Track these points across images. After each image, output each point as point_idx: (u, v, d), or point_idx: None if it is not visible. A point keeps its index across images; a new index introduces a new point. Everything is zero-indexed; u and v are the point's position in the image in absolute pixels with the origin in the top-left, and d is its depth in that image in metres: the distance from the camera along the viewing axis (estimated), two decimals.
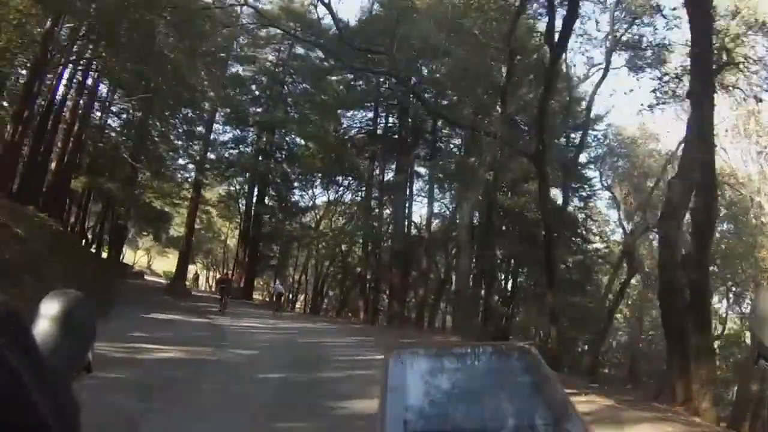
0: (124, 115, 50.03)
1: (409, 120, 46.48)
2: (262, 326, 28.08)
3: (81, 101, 40.80)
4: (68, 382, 1.06)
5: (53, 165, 39.86)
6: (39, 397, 0.76)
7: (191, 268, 62.60)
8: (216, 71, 45.55)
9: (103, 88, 46.40)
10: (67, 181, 41.18)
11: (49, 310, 1.13)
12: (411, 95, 40.69)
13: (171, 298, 36.09)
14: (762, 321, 1.33)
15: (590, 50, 62.82)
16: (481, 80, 35.05)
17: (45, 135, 36.10)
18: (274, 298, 43.46)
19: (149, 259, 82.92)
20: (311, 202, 55.98)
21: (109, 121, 50.06)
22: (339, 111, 46.51)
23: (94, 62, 36.15)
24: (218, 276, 47.53)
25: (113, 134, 50.29)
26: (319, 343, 21.56)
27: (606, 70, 37.16)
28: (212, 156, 53.20)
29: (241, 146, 54.13)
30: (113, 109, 48.64)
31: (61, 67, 35.59)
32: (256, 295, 67.96)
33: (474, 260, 36.64)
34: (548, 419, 1.05)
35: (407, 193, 45.96)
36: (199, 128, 50.85)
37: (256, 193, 54.59)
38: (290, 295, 60.94)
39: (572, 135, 43.16)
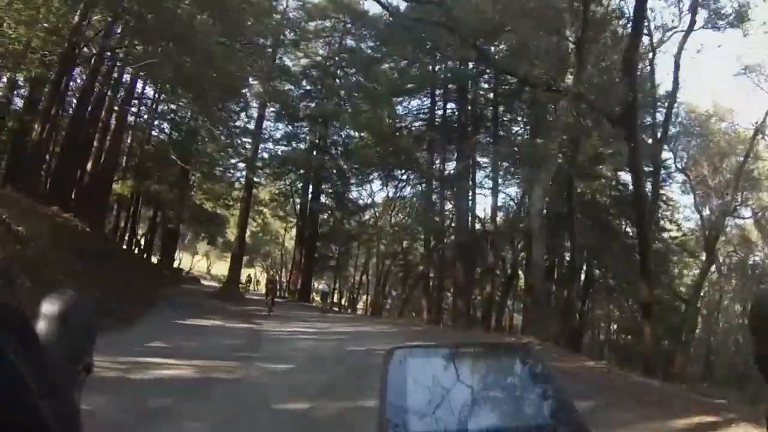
0: (171, 116, 48.23)
1: (469, 107, 43.18)
2: (310, 330, 24.92)
3: (118, 99, 37.71)
4: (68, 383, 1.04)
5: (89, 166, 36.93)
6: (39, 397, 0.76)
7: (249, 272, 59.51)
8: (261, 61, 42.91)
9: (149, 90, 45.26)
10: (105, 183, 39.18)
11: (47, 311, 1.10)
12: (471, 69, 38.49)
13: (220, 303, 33.43)
14: (763, 321, 1.15)
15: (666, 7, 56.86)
16: (548, 54, 30.85)
17: (78, 135, 33.57)
18: (320, 299, 41.58)
19: (209, 264, 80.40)
20: (370, 199, 52.65)
21: (156, 122, 48.44)
22: (394, 99, 42.70)
23: (130, 58, 32.86)
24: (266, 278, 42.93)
25: (161, 136, 49.24)
26: (370, 351, 17.36)
27: (690, 28, 32.63)
28: (264, 154, 50.76)
29: (293, 142, 51.20)
30: (159, 108, 46.92)
31: (93, 61, 33.20)
32: (317, 298, 66.11)
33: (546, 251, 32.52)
34: (550, 419, 1.03)
35: (469, 183, 42.00)
36: (248, 125, 48.90)
37: (311, 190, 51.80)
38: (351, 295, 60.42)
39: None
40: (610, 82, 29.35)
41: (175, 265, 58.98)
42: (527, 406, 1.10)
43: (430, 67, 42.36)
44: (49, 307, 1.12)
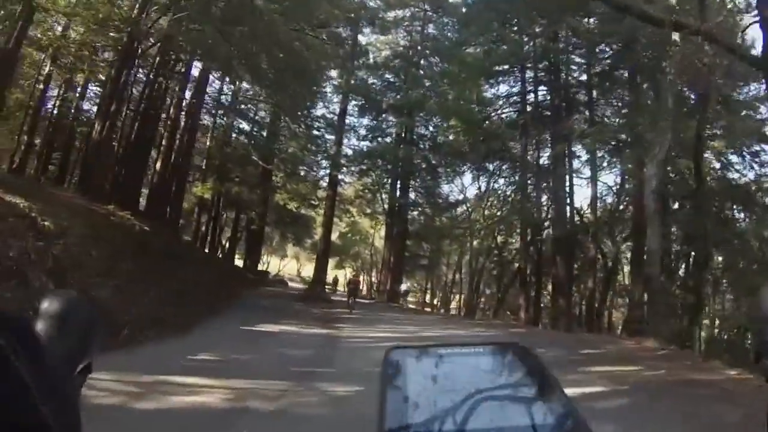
0: (252, 115, 47.64)
1: (562, 90, 39.40)
2: (394, 336, 21.49)
3: (185, 94, 35.33)
4: (68, 383, 1.03)
5: (158, 165, 35.72)
6: (39, 397, 0.74)
7: (337, 273, 56.59)
8: (340, 50, 40.65)
9: (226, 90, 44.88)
10: (176, 183, 38.12)
11: (46, 310, 1.10)
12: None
13: (302, 305, 31.58)
14: (764, 322, 1.23)
15: None
16: None
17: (143, 133, 32.68)
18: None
19: (298, 266, 78.59)
20: (461, 195, 49.16)
21: (235, 122, 47.45)
22: (481, 82, 39.38)
23: (189, 47, 30.78)
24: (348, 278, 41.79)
25: (242, 137, 48.11)
26: None
27: None
28: (348, 150, 48.53)
29: (377, 136, 49.02)
30: (238, 107, 45.96)
31: (156, 55, 32.17)
32: (410, 298, 62.90)
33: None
34: (549, 419, 1.00)
35: (566, 170, 38.30)
36: (330, 119, 47.12)
37: (398, 186, 48.88)
38: (444, 295, 57.27)
39: None
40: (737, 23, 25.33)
41: (261, 267, 57.73)
42: (526, 405, 1.02)
43: (518, 47, 38.32)
44: (48, 306, 1.08)
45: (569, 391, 1.05)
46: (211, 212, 48.86)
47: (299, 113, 42.12)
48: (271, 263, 72.75)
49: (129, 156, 31.73)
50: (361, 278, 47.06)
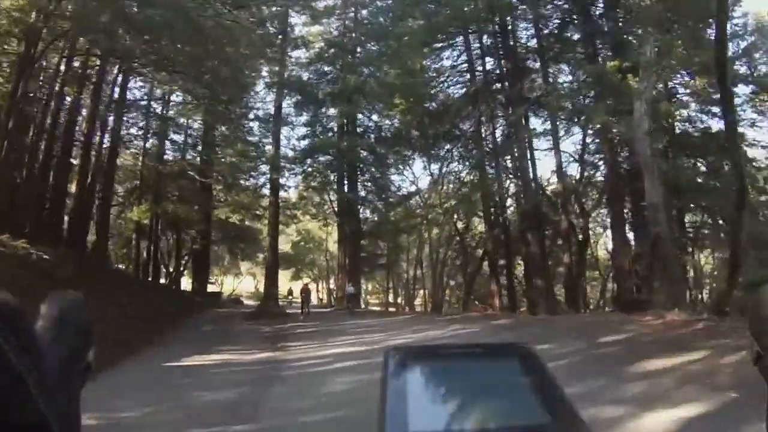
0: (184, 125, 43.27)
1: (512, 57, 34.75)
2: (355, 351, 16.58)
3: (101, 105, 30.85)
4: (68, 383, 1.02)
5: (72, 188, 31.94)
6: (40, 397, 0.75)
7: (295, 284, 51.94)
8: (270, 49, 37.17)
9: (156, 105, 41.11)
10: (100, 206, 34.44)
11: (47, 311, 1.07)
12: None
13: (253, 324, 27.99)
14: (763, 321, 1.07)
15: None
16: None
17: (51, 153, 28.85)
18: (347, 301, 37.47)
19: (256, 283, 72.12)
20: (414, 186, 45.16)
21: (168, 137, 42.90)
22: (424, 51, 34.29)
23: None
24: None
25: (175, 152, 43.98)
26: None
27: None
28: (287, 152, 43.65)
29: (317, 131, 43.89)
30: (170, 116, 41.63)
31: (64, 59, 28.08)
32: (372, 300, 60.36)
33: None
34: (549, 420, 0.99)
35: (527, 137, 33.70)
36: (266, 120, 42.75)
37: (346, 183, 43.95)
38: (407, 293, 51.82)
39: None
40: None
41: (214, 288, 53.62)
42: (526, 406, 1.02)
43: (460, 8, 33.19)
44: (48, 307, 1.06)
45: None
46: (150, 236, 43.89)
47: (232, 116, 38.36)
48: (225, 283, 68.30)
49: (36, 179, 26.97)
50: (312, 286, 45.21)
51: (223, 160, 40.28)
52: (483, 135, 36.28)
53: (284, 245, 58.52)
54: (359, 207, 44.72)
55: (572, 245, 33.02)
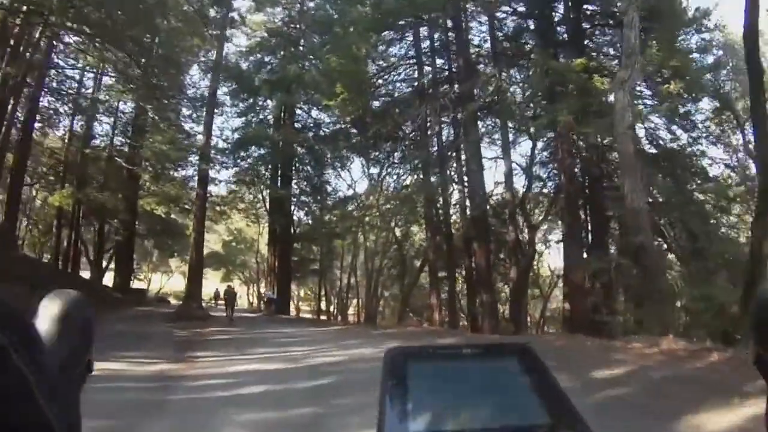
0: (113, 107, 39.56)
1: (463, 57, 31.39)
2: (271, 369, 13.73)
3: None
4: (68, 383, 0.99)
5: None
6: (41, 397, 0.74)
7: (222, 286, 48.50)
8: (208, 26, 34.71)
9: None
10: (11, 187, 31.16)
11: (47, 310, 1.03)
12: None
13: (171, 326, 25.15)
14: (763, 323, 1.02)
15: None
16: None
17: None
18: (266, 306, 38.58)
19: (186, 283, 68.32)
20: (351, 190, 41.15)
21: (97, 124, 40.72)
22: (371, 37, 30.74)
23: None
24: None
25: (103, 136, 41.48)
26: None
27: None
28: (219, 142, 40.12)
29: (251, 121, 40.57)
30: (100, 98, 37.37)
31: None
32: (304, 307, 56.87)
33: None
34: (550, 420, 0.97)
35: (478, 138, 31.03)
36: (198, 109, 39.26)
37: (279, 178, 40.98)
38: (340, 301, 47.58)
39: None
40: None
41: (138, 285, 50.51)
42: (527, 406, 1.00)
43: None
44: (48, 305, 1.01)
45: None
46: (72, 225, 40.34)
47: (164, 100, 35.10)
48: (153, 281, 64.41)
49: None
50: (239, 289, 45.08)
51: (152, 147, 36.16)
52: (428, 135, 33.23)
53: (215, 245, 56.71)
54: (292, 207, 41.83)
55: (519, 259, 30.03)
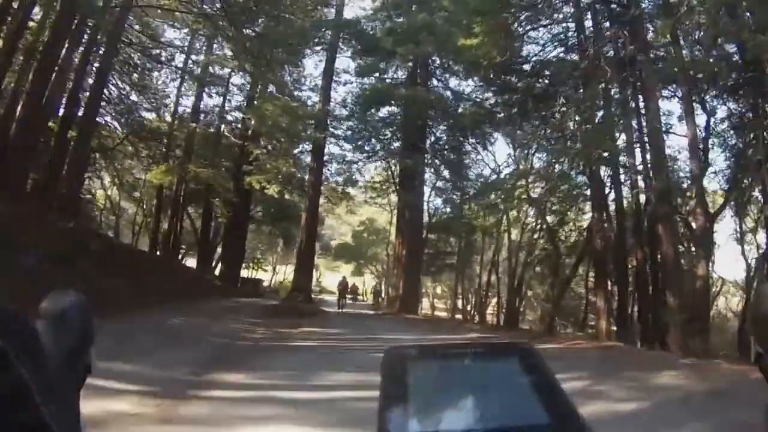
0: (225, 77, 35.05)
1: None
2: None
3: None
4: (68, 384, 1.02)
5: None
6: (41, 400, 0.72)
7: (356, 280, 43.68)
8: None
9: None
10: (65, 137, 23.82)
11: (47, 310, 1.05)
12: None
13: (256, 323, 19.99)
14: (763, 320, 1.03)
15: None
16: None
17: None
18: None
19: (318, 275, 61.88)
20: (498, 169, 33.37)
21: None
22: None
23: None
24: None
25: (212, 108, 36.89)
26: None
27: None
28: (338, 108, 33.60)
29: (375, 81, 32.73)
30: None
31: None
32: (440, 305, 50.45)
33: None
34: (550, 419, 0.91)
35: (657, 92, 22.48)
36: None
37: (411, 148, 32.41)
38: (478, 300, 38.73)
39: None
40: None
41: (254, 275, 45.74)
42: (528, 406, 0.93)
43: None
44: (48, 306, 1.03)
45: None
46: (174, 207, 35.29)
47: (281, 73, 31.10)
48: (279, 272, 58.80)
49: None
50: (350, 282, 40.59)
51: (264, 117, 29.61)
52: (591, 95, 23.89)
53: (347, 237, 53.91)
54: (426, 190, 34.47)
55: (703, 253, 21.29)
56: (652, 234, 21.38)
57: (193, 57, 33.83)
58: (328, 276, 61.03)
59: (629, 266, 24.35)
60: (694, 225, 20.97)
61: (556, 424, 0.85)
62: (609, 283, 23.56)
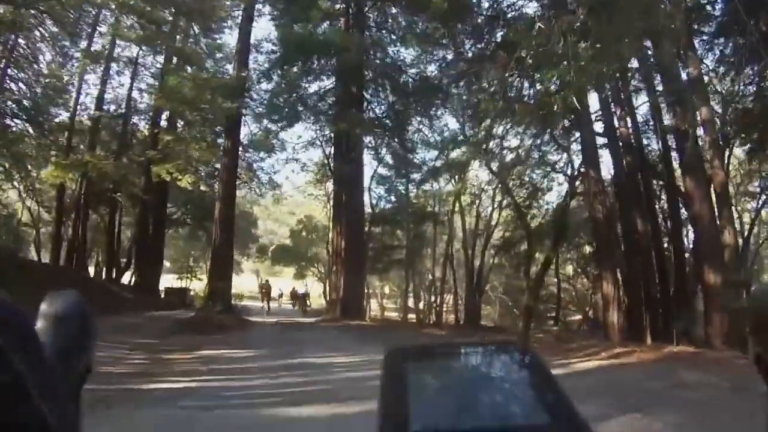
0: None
1: None
2: None
3: None
4: (68, 383, 0.91)
5: None
6: (40, 398, 0.69)
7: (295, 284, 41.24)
8: None
9: None
10: None
11: (47, 310, 0.95)
12: None
13: (156, 343, 15.18)
14: (762, 321, 0.97)
15: None
16: None
17: None
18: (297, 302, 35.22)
19: (259, 281, 55.41)
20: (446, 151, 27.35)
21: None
22: None
23: None
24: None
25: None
26: None
27: None
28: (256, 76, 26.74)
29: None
30: None
31: None
32: (389, 305, 45.62)
33: None
34: (550, 420, 0.89)
35: None
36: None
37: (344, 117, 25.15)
38: (431, 299, 35.16)
39: None
40: None
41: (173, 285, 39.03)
42: (527, 406, 0.93)
43: None
44: (48, 306, 0.93)
45: None
46: (77, 209, 29.33)
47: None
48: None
49: None
50: (271, 284, 38.51)
51: (171, 92, 23.90)
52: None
53: (286, 240, 49.09)
54: (367, 179, 28.60)
55: None
56: (673, 193, 15.87)
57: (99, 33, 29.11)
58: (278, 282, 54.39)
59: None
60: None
61: (557, 424, 0.83)
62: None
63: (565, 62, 13.41)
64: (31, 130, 27.26)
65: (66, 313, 0.92)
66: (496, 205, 30.56)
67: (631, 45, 14.48)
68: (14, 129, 26.52)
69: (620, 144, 19.24)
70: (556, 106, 14.71)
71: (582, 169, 19.60)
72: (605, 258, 17.96)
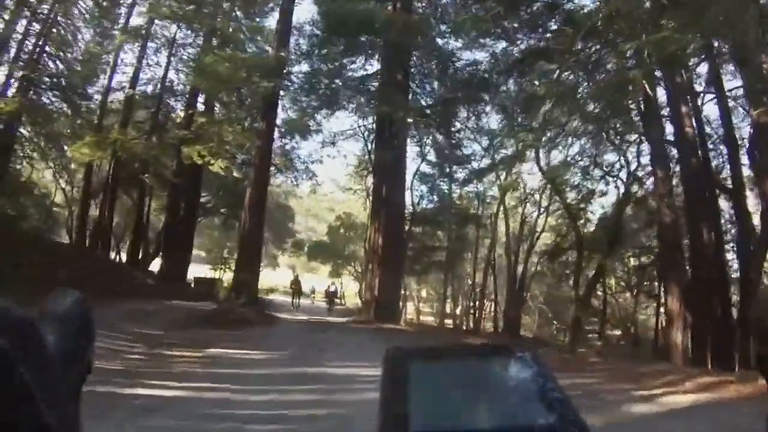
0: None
1: None
2: None
3: None
4: (68, 383, 0.89)
5: None
6: (41, 398, 0.70)
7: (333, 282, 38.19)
8: None
9: None
10: None
11: (47, 310, 0.96)
12: None
13: (162, 335, 13.85)
14: (763, 322, 1.01)
15: None
16: None
17: None
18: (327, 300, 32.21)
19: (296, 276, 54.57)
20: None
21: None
22: None
23: None
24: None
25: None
26: None
27: None
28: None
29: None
30: None
31: None
32: (426, 309, 44.20)
33: None
34: (550, 420, 0.90)
35: None
36: None
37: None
38: (469, 304, 34.24)
39: None
40: None
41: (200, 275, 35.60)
42: (529, 408, 0.91)
43: None
44: (48, 306, 0.94)
45: None
46: (105, 189, 28.18)
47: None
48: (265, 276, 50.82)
49: None
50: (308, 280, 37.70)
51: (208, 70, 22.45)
52: None
53: (319, 234, 49.49)
54: (409, 179, 27.33)
55: None
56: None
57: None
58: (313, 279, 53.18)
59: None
60: None
61: (557, 426, 0.83)
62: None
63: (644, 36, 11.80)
64: (66, 109, 26.14)
65: (66, 313, 0.90)
66: (542, 210, 28.92)
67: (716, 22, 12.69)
68: (50, 108, 25.60)
69: (687, 144, 17.47)
70: (630, 86, 13.12)
71: (638, 173, 18.11)
72: (669, 267, 16.12)
